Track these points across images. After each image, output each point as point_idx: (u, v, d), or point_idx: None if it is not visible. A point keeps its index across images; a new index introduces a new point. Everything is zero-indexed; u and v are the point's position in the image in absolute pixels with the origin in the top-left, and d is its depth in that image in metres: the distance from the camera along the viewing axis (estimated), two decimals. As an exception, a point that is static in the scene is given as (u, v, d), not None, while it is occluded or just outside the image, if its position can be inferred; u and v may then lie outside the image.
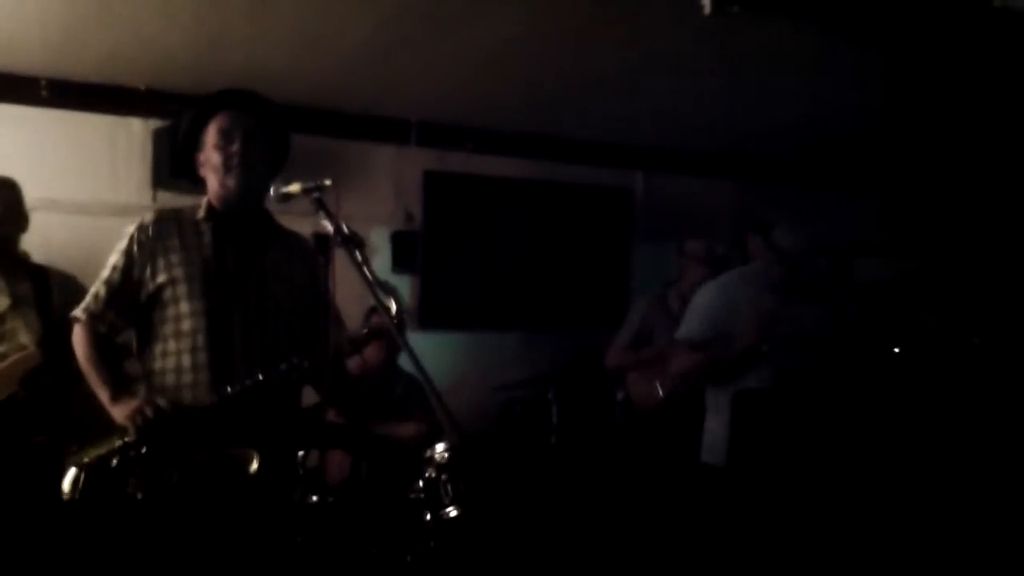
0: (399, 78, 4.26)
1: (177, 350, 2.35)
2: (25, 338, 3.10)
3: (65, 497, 2.23)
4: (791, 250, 3.30)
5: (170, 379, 2.35)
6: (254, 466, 2.25)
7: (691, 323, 3.43)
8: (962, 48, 3.65)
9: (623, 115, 4.91)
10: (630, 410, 4.44)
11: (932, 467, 2.75)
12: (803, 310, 3.28)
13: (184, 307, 2.35)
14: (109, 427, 2.30)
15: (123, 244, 2.41)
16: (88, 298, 2.43)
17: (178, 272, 2.36)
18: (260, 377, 2.29)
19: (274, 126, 2.50)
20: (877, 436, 2.81)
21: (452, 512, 3.18)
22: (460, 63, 4.00)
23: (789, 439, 2.84)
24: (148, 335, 2.41)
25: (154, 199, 4.35)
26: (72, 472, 2.24)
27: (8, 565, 2.86)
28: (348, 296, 2.44)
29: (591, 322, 5.48)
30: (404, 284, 5.00)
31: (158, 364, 2.37)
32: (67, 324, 2.46)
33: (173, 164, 4.02)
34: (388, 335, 2.52)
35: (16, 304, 3.13)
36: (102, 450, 2.26)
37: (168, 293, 2.36)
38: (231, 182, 2.38)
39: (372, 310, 3.84)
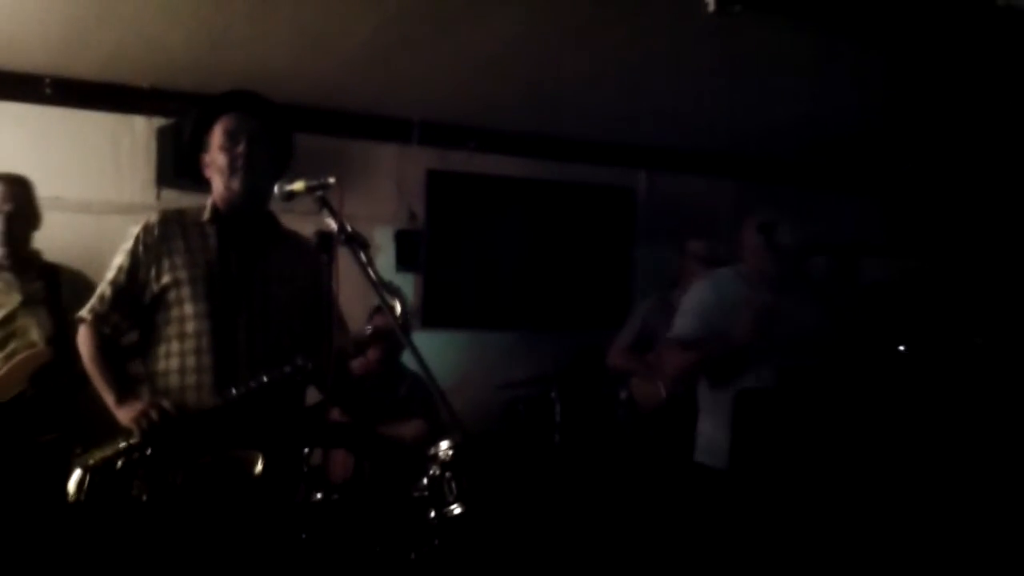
0: (401, 78, 4.27)
1: (181, 351, 2.36)
2: (35, 336, 3.11)
3: (70, 499, 2.24)
4: (789, 248, 3.28)
5: (174, 380, 2.35)
6: (258, 468, 2.26)
7: (684, 321, 3.39)
8: (964, 47, 3.65)
9: (624, 114, 4.92)
10: (633, 409, 4.44)
11: (936, 467, 2.75)
12: (801, 309, 3.26)
13: (188, 309, 2.35)
14: (116, 427, 2.30)
15: (128, 245, 2.42)
16: (94, 299, 2.44)
17: (182, 274, 2.37)
18: (264, 379, 2.29)
19: (279, 129, 2.50)
20: (880, 435, 2.81)
21: (456, 510, 3.19)
22: (462, 62, 4.01)
23: (793, 439, 2.83)
24: (152, 336, 2.41)
25: (158, 197, 4.36)
26: (77, 474, 2.25)
27: (16, 562, 2.87)
28: (352, 296, 2.45)
29: (594, 321, 5.48)
30: (407, 283, 5.01)
31: (162, 365, 2.38)
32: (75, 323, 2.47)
33: (178, 164, 4.04)
34: (391, 335, 2.53)
35: (27, 302, 3.14)
36: (107, 452, 2.27)
37: (172, 295, 2.37)
38: (236, 184, 2.38)
39: (376, 309, 3.84)
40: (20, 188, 3.22)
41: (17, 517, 2.87)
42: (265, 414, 2.34)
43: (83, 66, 4.08)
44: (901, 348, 3.58)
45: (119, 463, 2.25)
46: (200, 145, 2.46)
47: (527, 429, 4.74)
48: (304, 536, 3.11)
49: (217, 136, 2.41)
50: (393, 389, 4.02)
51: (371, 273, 2.02)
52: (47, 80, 4.15)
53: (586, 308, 5.63)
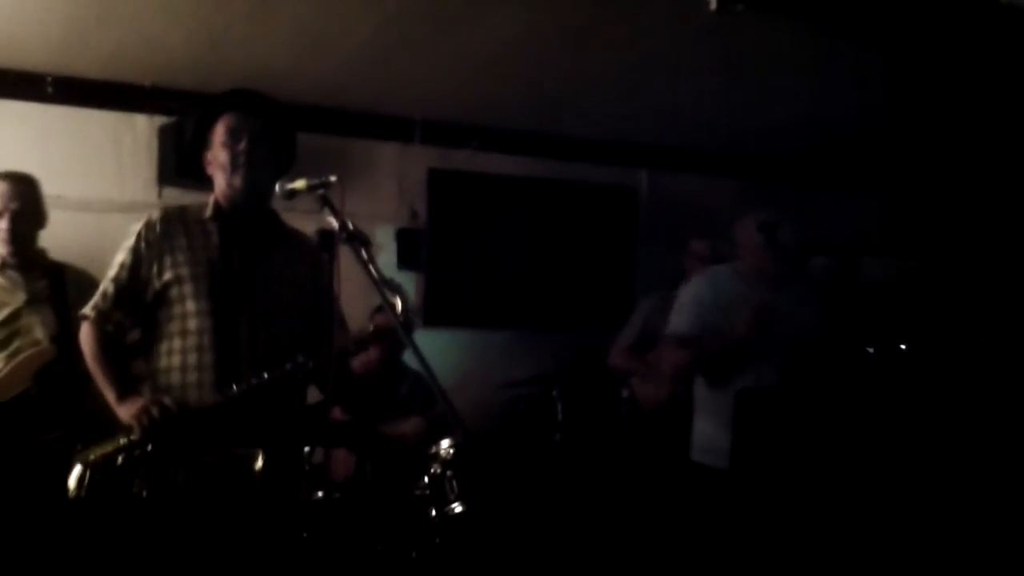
0: (402, 77, 4.27)
1: (183, 349, 2.36)
2: (40, 334, 3.11)
3: (71, 495, 2.24)
4: (787, 246, 3.27)
5: (175, 378, 2.35)
6: (259, 465, 2.26)
7: (680, 318, 3.37)
8: (966, 46, 3.65)
9: (625, 114, 4.92)
10: (635, 408, 4.44)
11: (938, 466, 2.75)
12: (799, 308, 3.25)
13: (190, 306, 2.36)
14: (119, 425, 2.30)
15: (130, 242, 2.42)
16: (97, 296, 2.44)
17: (184, 271, 2.37)
18: (265, 377, 2.29)
19: (281, 127, 2.50)
20: (881, 435, 2.81)
21: (457, 508, 3.19)
22: (463, 62, 4.01)
23: (795, 439, 2.82)
24: (153, 334, 2.41)
25: (159, 196, 4.36)
26: (77, 470, 2.26)
27: (21, 561, 2.87)
28: (353, 295, 2.44)
29: (595, 320, 5.48)
30: (409, 282, 5.01)
31: (163, 363, 2.38)
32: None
33: (180, 162, 4.04)
34: (392, 334, 2.53)
35: (31, 300, 3.14)
36: (107, 449, 2.27)
37: (174, 292, 2.37)
38: (237, 181, 2.39)
39: (378, 309, 3.84)
40: (26, 187, 3.22)
41: (21, 515, 2.87)
42: (266, 412, 2.34)
43: (84, 65, 4.09)
44: (902, 347, 3.58)
45: (119, 459, 2.25)
46: (202, 143, 2.46)
47: (528, 428, 4.75)
48: (305, 535, 3.12)
49: (219, 133, 2.41)
50: (395, 388, 4.02)
51: (372, 270, 2.02)
52: (49, 79, 4.16)
53: (587, 307, 5.63)
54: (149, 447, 2.25)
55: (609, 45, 3.78)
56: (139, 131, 4.41)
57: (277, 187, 2.21)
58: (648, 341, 4.40)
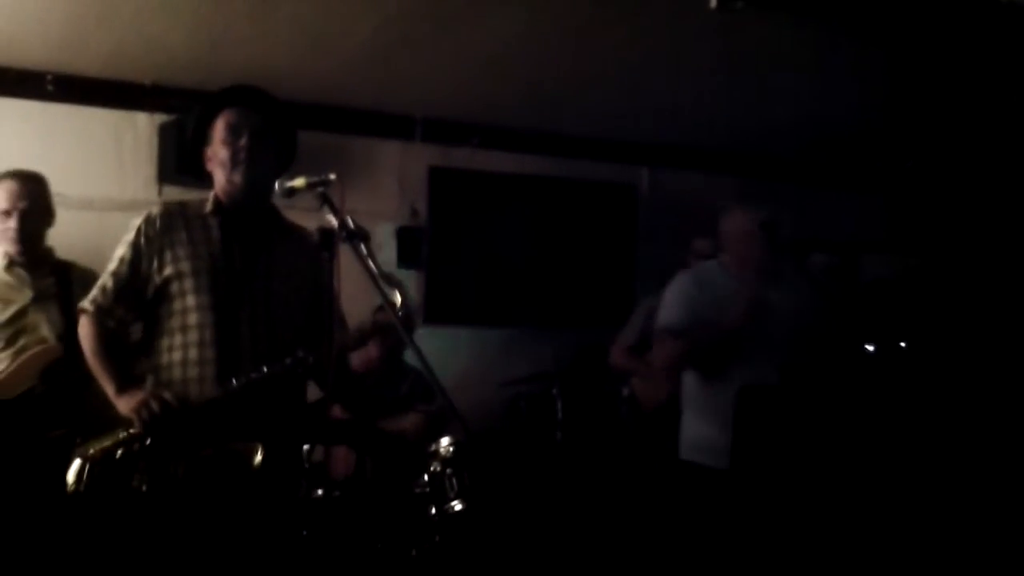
0: (402, 76, 4.27)
1: (183, 344, 2.35)
2: (46, 332, 3.12)
3: (70, 489, 2.24)
4: (778, 242, 3.25)
5: (176, 373, 2.35)
6: (257, 459, 2.26)
7: (668, 311, 3.33)
8: (966, 43, 3.65)
9: (625, 112, 4.92)
10: (635, 407, 4.44)
11: (940, 465, 2.75)
12: (799, 305, 3.23)
13: (191, 301, 2.35)
14: (120, 420, 2.30)
15: (130, 236, 2.41)
16: (95, 290, 2.43)
17: (185, 266, 2.36)
18: (265, 371, 2.29)
19: (281, 124, 2.50)
20: (883, 433, 2.81)
21: (457, 506, 3.19)
22: (463, 61, 4.02)
23: (797, 436, 2.82)
24: (155, 329, 2.41)
25: (160, 194, 4.37)
26: (77, 464, 2.25)
27: (26, 557, 2.88)
28: (354, 292, 2.43)
29: (596, 318, 5.48)
30: (409, 280, 5.00)
31: (164, 358, 2.37)
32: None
33: (180, 159, 4.05)
34: (393, 331, 2.53)
35: (38, 298, 3.14)
36: (107, 442, 2.26)
37: (175, 287, 2.37)
38: (238, 177, 2.38)
39: (379, 308, 3.84)
40: (35, 186, 3.22)
41: (26, 512, 2.88)
42: (266, 407, 2.34)
43: (85, 63, 4.09)
44: (903, 345, 3.58)
45: (119, 453, 2.25)
46: (203, 139, 2.45)
47: (529, 426, 4.75)
48: (305, 532, 3.12)
49: (219, 130, 2.40)
50: (395, 386, 4.02)
51: (371, 265, 2.02)
52: (49, 77, 4.16)
53: (588, 305, 5.63)
54: (148, 441, 2.25)
55: (609, 44, 3.78)
56: (140, 129, 4.41)
57: (277, 185, 2.20)
58: (649, 341, 4.39)
